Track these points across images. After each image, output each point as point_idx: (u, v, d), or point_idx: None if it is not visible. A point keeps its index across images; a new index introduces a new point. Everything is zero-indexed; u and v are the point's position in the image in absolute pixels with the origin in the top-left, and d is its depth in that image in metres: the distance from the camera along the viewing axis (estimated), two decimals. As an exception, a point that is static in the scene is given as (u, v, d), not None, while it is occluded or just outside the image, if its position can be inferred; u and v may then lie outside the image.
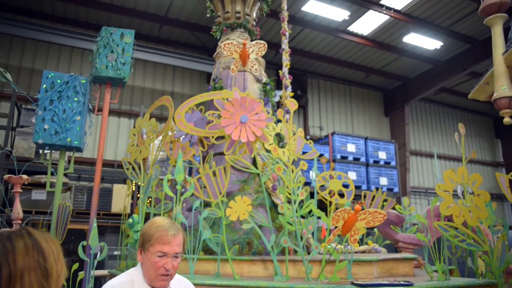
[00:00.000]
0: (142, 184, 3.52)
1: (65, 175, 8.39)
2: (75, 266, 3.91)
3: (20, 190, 5.57)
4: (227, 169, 3.45)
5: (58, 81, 4.35)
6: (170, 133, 4.07)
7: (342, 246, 3.18)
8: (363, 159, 10.31)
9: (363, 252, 4.43)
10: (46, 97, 4.32)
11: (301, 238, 3.29)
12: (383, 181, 10.43)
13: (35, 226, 7.54)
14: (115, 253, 7.18)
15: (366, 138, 10.75)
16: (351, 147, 10.13)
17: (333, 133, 10.28)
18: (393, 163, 10.91)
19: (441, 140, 15.53)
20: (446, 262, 3.14)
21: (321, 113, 13.07)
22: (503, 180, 3.05)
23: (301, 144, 3.45)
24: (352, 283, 2.72)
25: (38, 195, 7.61)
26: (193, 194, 3.36)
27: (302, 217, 3.98)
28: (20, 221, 5.42)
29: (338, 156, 9.89)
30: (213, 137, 3.73)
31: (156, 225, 1.74)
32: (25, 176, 5.53)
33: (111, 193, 8.01)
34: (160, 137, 3.99)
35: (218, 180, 3.44)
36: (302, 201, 3.66)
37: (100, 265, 6.79)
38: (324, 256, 3.06)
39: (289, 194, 3.42)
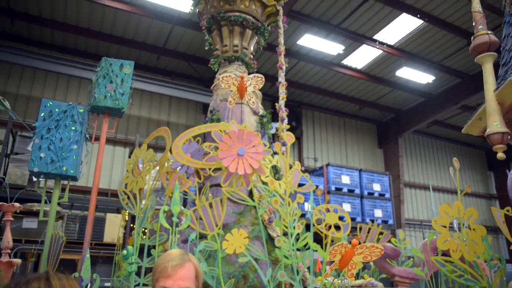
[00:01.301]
0: (138, 215, 3.49)
1: (58, 203, 8.33)
2: (66, 298, 3.82)
3: (12, 219, 5.49)
4: (223, 201, 3.44)
5: (56, 109, 4.37)
6: (166, 164, 4.07)
7: (339, 281, 3.14)
8: (357, 191, 10.32)
9: (360, 286, 4.39)
10: (43, 126, 4.32)
11: (297, 272, 3.25)
12: (378, 213, 10.40)
13: (24, 256, 7.39)
14: (107, 284, 7.01)
15: (360, 170, 10.80)
16: (345, 179, 10.16)
17: (327, 165, 10.33)
18: (387, 195, 10.92)
19: (434, 172, 15.63)
20: (444, 299, 3.12)
21: (316, 145, 13.16)
22: (499, 214, 3.08)
23: (298, 177, 3.47)
24: (350, 320, 2.68)
25: (29, 223, 7.49)
26: (188, 226, 3.33)
27: (298, 250, 3.95)
28: (9, 251, 5.31)
29: (333, 188, 9.90)
30: (210, 169, 3.73)
31: (164, 256, 1.63)
32: (17, 204, 5.46)
33: (104, 222, 7.92)
34: (156, 168, 3.99)
35: (214, 212, 3.43)
36: (297, 234, 3.65)
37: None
38: (322, 291, 3.03)
39: (286, 227, 3.41)
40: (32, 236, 7.37)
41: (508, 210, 3.13)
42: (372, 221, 5.38)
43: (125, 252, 3.40)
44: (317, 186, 9.57)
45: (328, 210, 3.29)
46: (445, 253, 3.16)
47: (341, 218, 3.44)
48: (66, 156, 4.33)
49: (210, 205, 3.49)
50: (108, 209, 8.87)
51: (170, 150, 3.78)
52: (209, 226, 3.34)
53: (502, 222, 3.05)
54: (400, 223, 12.15)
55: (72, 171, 4.34)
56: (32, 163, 4.23)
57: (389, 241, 4.94)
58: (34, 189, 4.59)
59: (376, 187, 10.62)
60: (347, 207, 9.86)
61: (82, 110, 4.56)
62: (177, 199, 3.29)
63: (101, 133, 4.55)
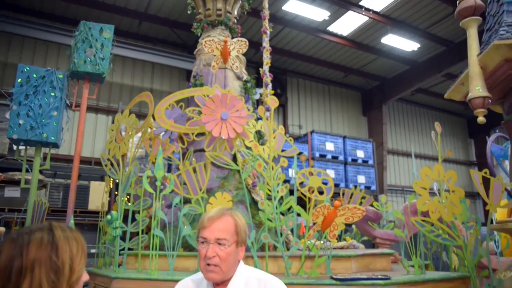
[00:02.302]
0: (121, 181, 3.48)
1: (41, 172, 8.23)
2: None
3: (-6, 188, 5.44)
4: (207, 165, 3.44)
5: (34, 75, 4.26)
6: (149, 130, 4.03)
7: (321, 242, 3.22)
8: (341, 158, 10.44)
9: (342, 248, 4.50)
10: (21, 92, 4.21)
11: (281, 234, 3.31)
12: (361, 179, 10.58)
13: (8, 225, 7.35)
14: (92, 251, 7.06)
15: (344, 137, 10.89)
16: (329, 146, 10.25)
17: (312, 132, 10.38)
18: (370, 162, 11.09)
19: (417, 139, 15.86)
20: (422, 257, 3.22)
21: (301, 112, 13.17)
22: (477, 177, 3.15)
23: (282, 142, 3.48)
24: (331, 278, 2.76)
25: (11, 192, 7.42)
26: (172, 191, 3.34)
27: (282, 214, 4.01)
28: (-8, 219, 5.29)
29: (317, 155, 9.99)
30: (193, 133, 3.71)
31: (206, 211, 1.69)
32: (-2, 173, 5.41)
33: (88, 190, 7.88)
34: (139, 134, 3.95)
35: (198, 177, 3.43)
36: (282, 198, 3.69)
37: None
38: (304, 251, 3.10)
39: (269, 190, 3.45)
40: (15, 205, 7.31)
41: (485, 173, 3.20)
42: (356, 186, 5.47)
43: (109, 217, 3.41)
44: (301, 153, 9.67)
45: (311, 174, 3.32)
46: (426, 215, 3.25)
47: (325, 183, 3.48)
48: (46, 123, 4.25)
49: (194, 170, 3.49)
50: (92, 177, 8.81)
51: (153, 116, 3.73)
52: (193, 190, 3.36)
53: (479, 184, 3.13)
54: (383, 189, 12.41)
55: (53, 138, 4.27)
56: (10, 130, 4.15)
57: (371, 205, 5.05)
58: (14, 157, 4.51)
59: (360, 153, 10.76)
60: (331, 173, 10.00)
61: (61, 76, 4.45)
62: (160, 164, 3.28)
63: (82, 99, 4.46)
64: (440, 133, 3.52)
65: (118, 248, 3.41)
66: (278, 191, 3.30)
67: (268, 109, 4.59)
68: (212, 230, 1.57)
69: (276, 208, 3.58)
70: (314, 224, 2.97)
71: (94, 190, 7.89)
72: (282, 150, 3.62)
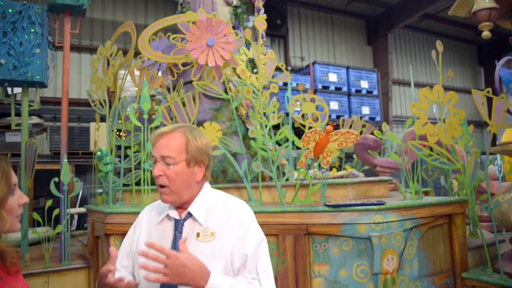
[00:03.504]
0: (108, 115, 3.36)
1: (40, 116, 8.16)
2: (49, 203, 3.86)
3: (-10, 132, 5.38)
4: (195, 96, 3.30)
5: (10, 10, 4.00)
6: (140, 63, 3.85)
7: (316, 169, 3.14)
8: (345, 89, 10.18)
9: (341, 177, 4.45)
10: (-2, 29, 3.99)
11: (273, 163, 3.24)
12: (365, 110, 10.39)
13: (15, 169, 7.40)
14: (100, 191, 7.16)
15: (348, 67, 10.55)
16: (332, 77, 9.95)
17: (314, 63, 10.04)
18: (375, 92, 10.82)
19: (424, 69, 15.39)
20: (420, 182, 3.14)
21: (302, 43, 12.69)
22: (479, 97, 2.98)
23: (273, 67, 3.29)
24: (325, 205, 2.71)
25: (12, 137, 7.38)
26: (161, 123, 3.23)
27: (279, 144, 3.92)
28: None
29: (320, 86, 9.73)
30: (181, 63, 3.53)
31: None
32: (-7, 117, 5.32)
33: (89, 131, 7.82)
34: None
35: (187, 108, 3.30)
36: (278, 127, 3.59)
37: (84, 204, 6.75)
38: (298, 179, 3.03)
39: (261, 118, 3.33)
40: (17, 150, 7.30)
41: (488, 92, 3.03)
42: (361, 118, 5.33)
43: (99, 153, 3.34)
44: (306, 88, 9.42)
45: (304, 100, 3.16)
46: (424, 139, 3.12)
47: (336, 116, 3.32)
48: (30, 61, 4.07)
49: (183, 102, 3.35)
50: (91, 119, 8.71)
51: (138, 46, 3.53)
52: (182, 121, 3.24)
53: (481, 104, 2.97)
54: (388, 120, 12.23)
55: (38, 77, 4.10)
56: (-7, 69, 3.98)
57: (372, 133, 4.93)
58: (0, 98, 4.38)
59: (364, 84, 10.47)
60: (334, 105, 9.81)
61: (39, 10, 4.18)
62: (146, 97, 3.14)
63: (64, 34, 4.24)
64: (441, 51, 3.29)
65: (111, 184, 3.38)
66: (269, 119, 3.17)
67: (262, 36, 4.35)
68: (157, 147, 1.45)
69: (271, 137, 3.48)
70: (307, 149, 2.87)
71: (103, 132, 7.81)
72: (274, 77, 3.44)
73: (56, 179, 3.72)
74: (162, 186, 1.44)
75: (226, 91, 3.52)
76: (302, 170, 3.02)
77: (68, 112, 8.37)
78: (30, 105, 4.23)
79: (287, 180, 3.60)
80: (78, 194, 7.47)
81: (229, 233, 1.43)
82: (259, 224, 2.70)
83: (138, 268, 1.44)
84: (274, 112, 3.65)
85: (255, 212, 2.78)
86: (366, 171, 5.16)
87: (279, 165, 3.62)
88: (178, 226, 1.46)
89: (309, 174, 2.97)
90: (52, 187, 3.68)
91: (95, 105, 3.51)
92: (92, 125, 7.99)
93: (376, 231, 2.48)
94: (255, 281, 1.39)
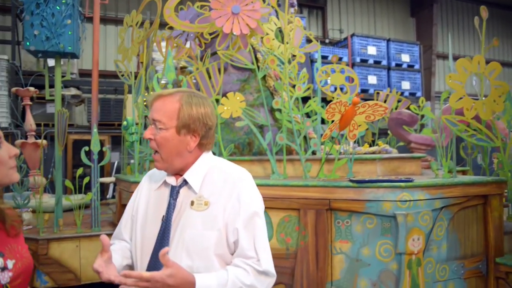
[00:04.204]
0: (134, 85, 3.36)
1: (78, 87, 8.39)
2: (80, 171, 3.97)
3: (30, 103, 5.57)
4: (221, 65, 3.22)
5: (42, -20, 4.04)
6: (166, 33, 3.81)
7: (345, 144, 3.02)
8: (384, 62, 9.76)
9: (373, 153, 4.29)
10: (31, 1, 4.05)
11: (305, 137, 3.15)
12: (405, 85, 9.95)
13: (53, 139, 7.70)
14: (132, 161, 7.33)
15: (388, 40, 10.07)
16: (371, 50, 9.55)
17: (352, 35, 9.66)
18: (417, 66, 10.31)
19: (471, 42, 14.51)
20: (454, 160, 2.94)
21: (341, 15, 12.22)
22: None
23: (300, 36, 3.15)
24: (350, 180, 2.60)
25: (53, 108, 7.64)
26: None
27: (309, 116, 3.80)
28: (33, 133, 5.49)
29: (358, 60, 9.37)
30: (208, 33, 3.44)
31: None
32: (32, 89, 5.48)
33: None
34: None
35: (212, 78, 3.24)
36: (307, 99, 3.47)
37: (120, 173, 6.93)
38: (324, 153, 2.92)
39: (291, 91, 3.22)
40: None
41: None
42: (402, 93, 5.09)
43: (125, 123, 3.36)
44: (341, 58, 9.10)
45: (333, 71, 3.02)
46: (461, 114, 2.91)
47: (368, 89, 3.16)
48: (61, 32, 4.11)
49: (208, 73, 3.29)
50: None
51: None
52: (207, 92, 3.19)
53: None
54: (430, 96, 11.70)
55: (70, 48, 4.15)
56: (27, 41, 4.06)
57: (408, 108, 4.70)
58: (37, 70, 4.49)
59: (405, 58, 9.99)
60: (372, 79, 9.45)
61: (70, -20, 4.21)
62: (170, 66, 3.10)
63: (94, 5, 4.25)
64: (486, 18, 3.03)
65: (137, 153, 3.41)
66: (296, 90, 3.06)
67: (292, 5, 4.18)
68: (152, 109, 1.39)
69: (299, 109, 3.38)
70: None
71: (130, 103, 7.96)
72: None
73: (87, 148, 3.80)
74: (154, 152, 1.39)
75: (254, 62, 3.42)
76: (328, 143, 2.90)
77: (105, 84, 8.57)
78: (62, 76, 4.32)
79: (313, 153, 3.50)
80: (114, 163, 7.72)
81: (223, 203, 1.36)
82: (280, 198, 2.67)
83: (135, 235, 1.42)
84: (304, 84, 3.54)
85: (276, 186, 2.75)
86: (401, 148, 4.95)
87: (307, 138, 3.52)
88: (173, 193, 1.41)
89: (335, 148, 2.85)
90: (83, 155, 3.77)
91: (122, 76, 3.51)
92: (129, 97, 8.14)
93: (402, 209, 2.36)
94: (252, 261, 1.32)
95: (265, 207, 2.75)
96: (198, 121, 1.38)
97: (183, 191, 1.40)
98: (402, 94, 4.50)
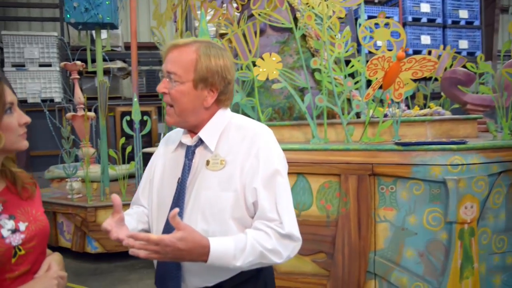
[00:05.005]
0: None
1: (124, 60, 8.52)
2: (122, 140, 4.03)
3: (78, 77, 5.72)
4: (257, 26, 3.06)
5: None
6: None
7: (392, 107, 2.80)
8: (439, 20, 9.02)
9: (425, 115, 3.99)
10: (70, -27, 4.06)
11: (344, 98, 2.95)
12: (463, 44, 9.20)
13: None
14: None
15: (444, -5, 9.29)
16: (425, 7, 8.84)
17: (404, -8, 8.99)
18: (476, 23, 9.47)
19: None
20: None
21: (392, -29, 11.42)
22: None
23: (340, -10, 2.89)
24: (395, 143, 2.40)
25: (103, 81, 7.86)
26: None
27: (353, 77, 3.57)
28: (82, 106, 5.65)
29: (410, 19, 8.73)
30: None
31: None
32: (79, 63, 5.61)
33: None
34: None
35: (248, 41, 3.09)
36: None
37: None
38: (368, 115, 2.72)
39: (332, 51, 3.01)
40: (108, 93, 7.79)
41: None
42: (459, 53, 4.64)
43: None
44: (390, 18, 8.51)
45: (377, 26, 2.76)
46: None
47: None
48: (99, 3, 4.13)
49: (244, 35, 3.14)
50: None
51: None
52: (243, 55, 3.05)
53: None
54: (491, 55, 10.78)
55: (108, 18, 4.17)
56: (67, 13, 4.12)
57: (464, 66, 4.30)
58: (79, 42, 4.55)
59: (463, 14, 9.17)
60: (426, 39, 8.80)
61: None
62: (204, 29, 2.98)
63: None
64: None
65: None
66: (335, 49, 2.85)
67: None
68: (166, 60, 1.25)
69: (342, 69, 3.17)
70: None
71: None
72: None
73: (128, 118, 3.84)
74: (170, 106, 1.27)
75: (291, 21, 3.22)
76: (372, 105, 2.70)
77: (150, 55, 8.62)
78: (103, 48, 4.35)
79: (358, 117, 3.30)
80: (161, 134, 7.86)
81: (241, 161, 1.23)
82: (319, 163, 2.52)
83: (151, 199, 1.36)
84: (347, 43, 3.31)
85: (315, 150, 2.61)
86: (455, 111, 4.59)
87: (350, 100, 3.32)
88: (188, 153, 1.30)
89: (379, 109, 2.64)
90: (125, 125, 3.81)
91: (157, 41, 3.45)
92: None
93: (453, 174, 2.14)
94: (274, 224, 1.19)
95: (304, 173, 2.66)
96: (217, 75, 1.25)
97: (199, 151, 1.30)
98: (459, 54, 4.12)
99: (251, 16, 3.73)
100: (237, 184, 1.21)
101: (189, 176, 1.27)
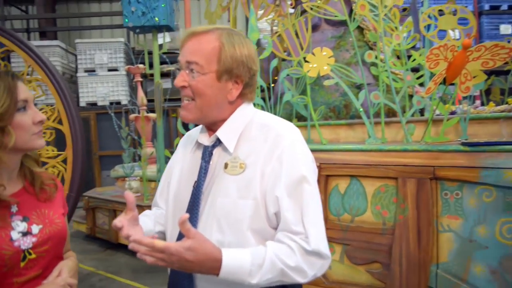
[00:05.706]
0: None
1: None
2: (177, 141, 4.05)
3: (140, 79, 5.92)
4: (308, 20, 2.91)
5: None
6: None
7: (461, 105, 2.51)
8: (522, 7, 8.20)
9: (502, 111, 3.57)
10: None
11: (405, 94, 2.70)
12: (551, 32, 8.27)
13: (167, 112, 8.16)
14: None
15: (528, -21, 8.41)
16: (505, -7, 8.08)
17: (479, -22, 8.26)
18: None
19: None
20: None
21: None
22: None
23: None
24: (461, 143, 2.12)
25: (164, 84, 8.09)
26: (272, 54, 2.95)
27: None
28: (145, 107, 5.83)
29: (486, 7, 7.99)
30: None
31: None
32: (141, 66, 5.79)
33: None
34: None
35: (299, 36, 2.95)
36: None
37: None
38: (431, 112, 2.45)
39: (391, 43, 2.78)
40: (171, 95, 7.99)
41: None
42: None
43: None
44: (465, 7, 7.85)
45: (441, 13, 2.49)
46: None
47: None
48: (155, 6, 4.19)
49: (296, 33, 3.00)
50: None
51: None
52: (294, 51, 2.91)
53: None
54: None
55: (164, 20, 4.23)
56: (125, 18, 4.22)
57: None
58: (137, 44, 4.67)
59: (551, -1, 8.26)
60: (506, 29, 8.00)
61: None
62: (254, 26, 2.88)
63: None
64: None
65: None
66: (393, 41, 2.61)
67: None
68: (184, 50, 1.12)
69: (402, 64, 2.93)
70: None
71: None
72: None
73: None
74: (185, 99, 1.15)
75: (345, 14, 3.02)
76: (435, 100, 2.43)
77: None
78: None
79: (422, 115, 3.02)
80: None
81: (261, 165, 1.08)
82: (374, 165, 2.31)
83: (167, 204, 1.26)
84: (408, 34, 3.05)
85: (369, 151, 2.39)
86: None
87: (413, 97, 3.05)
88: (205, 154, 1.17)
89: (442, 106, 2.37)
90: (179, 125, 3.83)
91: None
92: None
93: (532, 178, 1.84)
94: (299, 238, 1.04)
95: (358, 175, 2.46)
96: (242, 65, 1.12)
97: (217, 152, 1.17)
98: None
99: (304, 11, 3.58)
100: (256, 191, 1.07)
101: (206, 180, 1.15)
